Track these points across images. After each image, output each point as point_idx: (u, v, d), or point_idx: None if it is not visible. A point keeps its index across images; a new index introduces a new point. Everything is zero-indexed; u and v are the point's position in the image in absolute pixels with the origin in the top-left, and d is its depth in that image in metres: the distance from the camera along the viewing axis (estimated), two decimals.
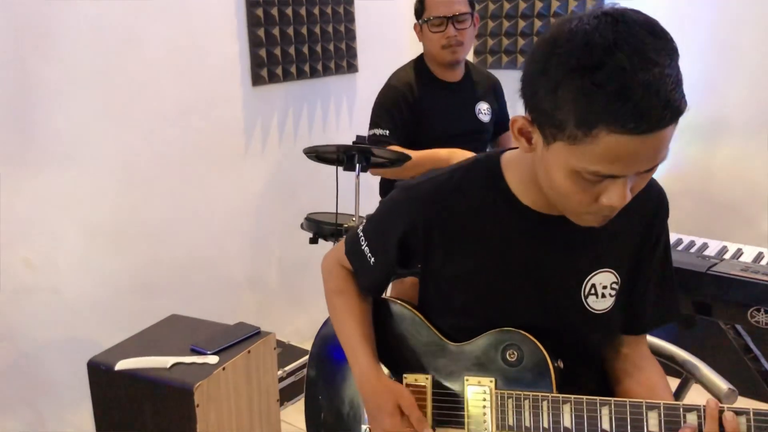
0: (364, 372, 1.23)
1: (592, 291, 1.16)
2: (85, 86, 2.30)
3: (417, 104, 2.32)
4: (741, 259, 1.66)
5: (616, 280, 1.17)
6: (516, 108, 3.26)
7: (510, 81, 3.09)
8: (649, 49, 0.86)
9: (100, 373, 1.85)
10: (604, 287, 1.17)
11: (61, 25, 2.21)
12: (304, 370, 2.73)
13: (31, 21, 2.15)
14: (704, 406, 0.98)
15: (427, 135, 2.32)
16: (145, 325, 2.11)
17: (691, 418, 0.99)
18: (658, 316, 1.25)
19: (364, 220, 1.32)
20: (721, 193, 2.81)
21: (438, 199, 1.16)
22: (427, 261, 1.21)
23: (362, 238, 1.28)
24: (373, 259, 1.25)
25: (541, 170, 1.01)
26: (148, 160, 2.53)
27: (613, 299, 1.18)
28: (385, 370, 1.26)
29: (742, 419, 0.96)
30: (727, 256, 1.68)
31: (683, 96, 0.87)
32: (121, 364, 1.83)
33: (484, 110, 2.48)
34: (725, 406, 0.97)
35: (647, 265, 1.20)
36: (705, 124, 2.76)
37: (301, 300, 3.24)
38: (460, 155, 2.17)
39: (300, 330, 3.20)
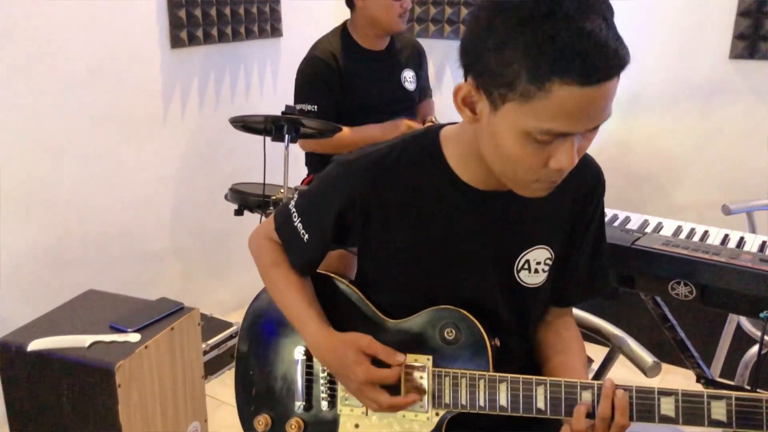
0: (316, 336, 1.20)
1: (525, 266, 1.18)
2: None
3: (342, 75, 2.30)
4: (662, 232, 1.71)
5: (550, 255, 1.19)
6: (441, 76, 3.26)
7: (435, 49, 3.10)
8: (592, 1, 0.89)
9: (10, 353, 1.74)
10: (538, 263, 1.18)
11: None
12: (228, 344, 2.71)
13: None
14: (599, 384, 1.03)
15: (354, 105, 2.30)
16: (61, 300, 1.99)
17: (586, 396, 1.04)
18: (588, 290, 1.28)
19: (296, 195, 1.27)
20: (638, 165, 2.91)
21: (377, 174, 1.14)
22: (366, 237, 1.18)
23: (294, 213, 1.23)
24: (306, 236, 1.22)
25: (487, 140, 1.00)
26: (59, 125, 2.37)
27: (546, 274, 1.19)
28: None
29: (627, 395, 1.01)
30: (648, 229, 1.73)
31: (626, 48, 0.90)
32: (35, 344, 1.73)
33: (409, 78, 2.48)
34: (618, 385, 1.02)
35: (581, 241, 1.22)
36: (623, 98, 2.83)
37: (223, 272, 3.16)
38: (391, 130, 2.16)
39: (222, 302, 3.13)
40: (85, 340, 1.75)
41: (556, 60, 0.86)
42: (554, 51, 0.86)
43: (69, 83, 2.37)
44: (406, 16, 2.35)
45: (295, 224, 1.22)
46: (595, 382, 1.04)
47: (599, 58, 0.87)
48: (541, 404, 1.06)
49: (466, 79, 0.99)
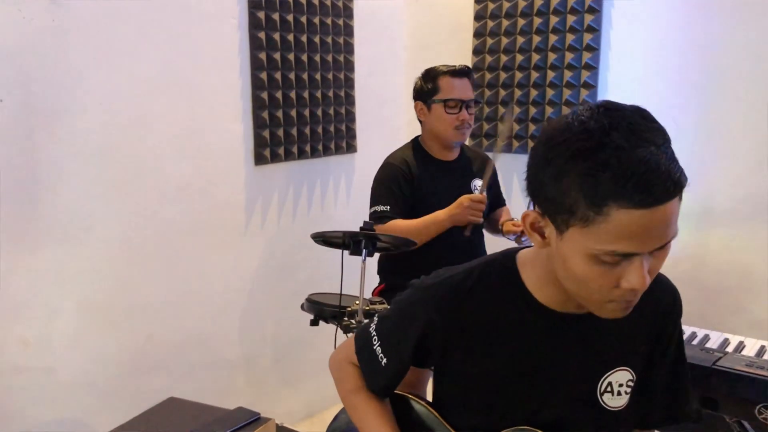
0: None
1: (608, 389, 1.18)
2: (90, 164, 2.32)
3: (415, 182, 2.40)
4: (744, 352, 1.68)
5: (631, 377, 1.19)
6: (510, 187, 3.33)
7: (503, 163, 3.20)
8: (642, 130, 0.91)
9: None
10: (620, 385, 1.18)
11: (71, 103, 2.25)
12: None
13: (42, 99, 2.18)
14: None
15: (426, 210, 2.38)
16: (141, 406, 2.06)
17: None
18: (670, 415, 1.27)
19: (376, 318, 1.30)
20: (714, 279, 2.85)
21: (456, 299, 1.17)
22: (445, 360, 1.21)
23: (375, 337, 1.27)
24: (385, 360, 1.24)
25: (558, 262, 1.03)
26: (148, 238, 2.53)
27: (628, 396, 1.19)
28: None
29: None
30: (729, 349, 1.70)
31: (682, 170, 0.92)
32: None
33: (479, 186, 2.55)
34: None
35: (660, 364, 1.22)
36: (695, 211, 2.83)
37: (294, 380, 3.20)
38: (456, 212, 2.26)
39: (292, 411, 3.15)
40: None
41: (611, 185, 0.89)
42: (607, 179, 0.89)
43: (160, 199, 2.55)
44: (465, 128, 2.43)
45: (375, 348, 1.26)
46: None
47: (652, 181, 0.89)
48: None
49: (533, 207, 1.04)
